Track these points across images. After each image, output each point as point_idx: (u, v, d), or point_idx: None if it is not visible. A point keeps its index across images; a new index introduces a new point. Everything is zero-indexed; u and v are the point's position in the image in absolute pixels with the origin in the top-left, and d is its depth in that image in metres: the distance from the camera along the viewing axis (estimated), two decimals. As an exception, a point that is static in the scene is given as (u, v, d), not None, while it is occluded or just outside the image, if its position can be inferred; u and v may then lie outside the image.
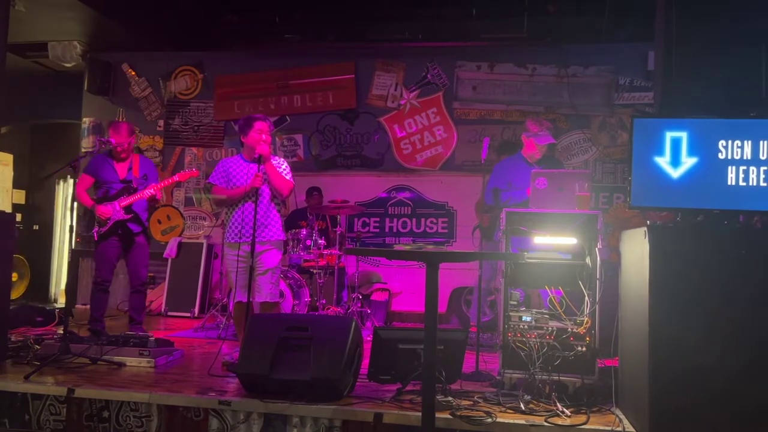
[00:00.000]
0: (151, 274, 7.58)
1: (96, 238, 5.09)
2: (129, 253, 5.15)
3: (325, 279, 5.95)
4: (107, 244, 5.06)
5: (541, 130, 4.94)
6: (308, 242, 5.79)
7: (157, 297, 7.39)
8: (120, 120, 5.43)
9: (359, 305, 6.03)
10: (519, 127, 6.79)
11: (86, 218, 4.48)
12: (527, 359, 3.47)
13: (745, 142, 2.99)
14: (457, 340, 3.59)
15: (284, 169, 4.46)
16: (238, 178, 4.40)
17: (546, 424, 3.07)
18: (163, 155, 7.95)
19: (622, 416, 3.21)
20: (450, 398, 3.35)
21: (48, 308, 6.06)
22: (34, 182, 9.21)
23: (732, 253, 2.88)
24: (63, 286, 8.76)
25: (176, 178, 5.14)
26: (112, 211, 4.99)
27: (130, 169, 5.12)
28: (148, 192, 5.02)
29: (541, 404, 3.35)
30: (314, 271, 5.94)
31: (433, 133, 7.39)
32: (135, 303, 5.24)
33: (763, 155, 2.98)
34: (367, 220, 7.36)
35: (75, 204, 4.76)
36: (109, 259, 5.10)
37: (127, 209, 5.02)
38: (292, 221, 6.49)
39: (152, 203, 5.27)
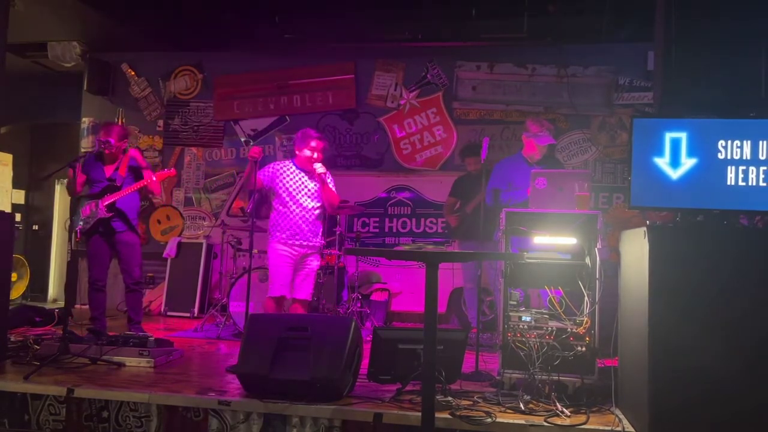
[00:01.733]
0: (151, 274, 7.60)
1: (78, 237, 4.99)
2: (119, 252, 5.13)
3: (325, 279, 5.94)
4: (94, 243, 5.04)
5: (542, 130, 4.92)
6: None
7: (157, 297, 7.39)
8: (114, 122, 5.54)
9: (359, 305, 6.03)
10: (519, 127, 6.79)
11: (71, 215, 4.45)
12: (527, 359, 3.47)
13: (745, 142, 2.99)
14: (457, 340, 3.59)
15: (330, 180, 4.71)
16: (288, 182, 4.61)
17: (546, 424, 3.07)
18: (162, 155, 7.95)
19: (621, 416, 3.21)
20: (450, 398, 3.35)
21: (47, 308, 6.06)
22: (34, 182, 9.21)
23: (732, 253, 2.88)
24: (62, 286, 8.76)
25: (153, 177, 5.11)
26: (95, 208, 4.96)
27: (116, 168, 5.11)
28: (134, 187, 5.00)
29: (541, 404, 3.35)
30: (314, 271, 5.94)
31: (432, 133, 7.39)
32: (131, 302, 5.22)
33: (762, 155, 2.97)
34: (366, 220, 7.35)
35: (74, 204, 4.76)
36: (99, 258, 5.08)
37: (110, 207, 5.00)
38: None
39: (149, 194, 5.33)
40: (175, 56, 7.99)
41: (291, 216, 4.59)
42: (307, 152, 4.63)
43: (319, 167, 4.56)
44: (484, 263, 5.08)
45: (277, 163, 4.77)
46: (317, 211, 4.68)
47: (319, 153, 4.65)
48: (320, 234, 4.74)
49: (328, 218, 6.47)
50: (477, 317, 4.55)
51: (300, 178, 4.65)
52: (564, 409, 3.22)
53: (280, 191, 4.62)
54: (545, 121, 5.16)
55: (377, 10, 6.78)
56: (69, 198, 4.61)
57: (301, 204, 4.60)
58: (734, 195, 2.98)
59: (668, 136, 3.06)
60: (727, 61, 3.31)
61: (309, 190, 4.65)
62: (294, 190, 4.62)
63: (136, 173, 5.14)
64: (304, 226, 4.60)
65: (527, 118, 6.04)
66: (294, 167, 4.69)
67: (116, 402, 3.46)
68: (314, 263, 4.71)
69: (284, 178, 4.63)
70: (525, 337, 3.53)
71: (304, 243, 4.61)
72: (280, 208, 4.62)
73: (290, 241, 4.58)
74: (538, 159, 4.95)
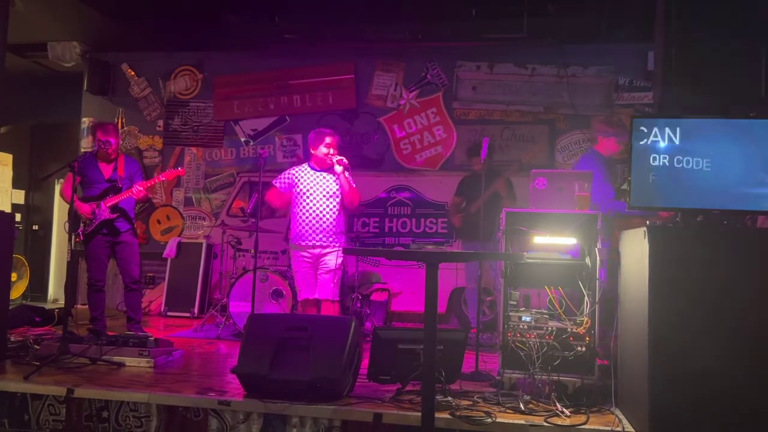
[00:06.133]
0: (151, 274, 7.60)
1: (81, 238, 5.04)
2: (117, 252, 5.15)
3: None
4: (95, 244, 5.06)
5: (614, 128, 5.02)
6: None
7: (157, 297, 7.39)
8: (111, 121, 5.74)
9: (359, 305, 6.03)
10: (519, 127, 6.82)
11: (69, 218, 4.45)
12: (527, 359, 3.47)
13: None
14: (457, 340, 3.59)
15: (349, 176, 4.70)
16: (304, 184, 4.63)
17: (545, 424, 3.07)
18: (162, 155, 7.95)
19: (621, 416, 3.21)
20: (449, 398, 3.34)
21: (47, 308, 6.06)
22: (34, 182, 9.21)
23: (731, 253, 2.88)
24: (62, 286, 8.75)
25: (162, 177, 5.17)
26: (97, 210, 4.98)
27: (115, 169, 5.13)
28: (136, 190, 5.01)
29: (541, 404, 3.34)
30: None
31: (432, 133, 7.39)
32: (130, 302, 5.23)
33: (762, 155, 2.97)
34: (366, 220, 7.35)
35: (72, 203, 4.76)
36: (99, 258, 5.10)
37: (113, 208, 5.02)
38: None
39: (142, 203, 5.44)
40: (175, 56, 7.99)
41: (307, 217, 4.58)
42: (323, 149, 4.61)
43: (337, 165, 4.54)
44: (484, 263, 5.08)
45: (292, 168, 4.76)
46: (336, 211, 4.64)
47: (335, 149, 4.63)
48: (341, 233, 4.69)
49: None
50: (477, 317, 4.55)
51: (316, 178, 4.64)
52: (564, 409, 3.21)
53: (297, 194, 4.62)
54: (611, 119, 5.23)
55: (377, 10, 6.77)
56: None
57: (317, 204, 4.60)
58: (734, 195, 2.98)
59: (668, 135, 3.06)
60: (727, 61, 3.31)
61: (325, 190, 4.62)
62: (309, 190, 4.61)
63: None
64: (319, 226, 4.57)
65: (593, 121, 6.02)
66: (309, 168, 4.68)
67: (116, 402, 3.45)
68: (332, 261, 4.63)
69: (300, 180, 4.63)
70: (525, 337, 3.52)
71: (318, 244, 4.58)
72: (296, 210, 4.63)
73: (304, 243, 4.58)
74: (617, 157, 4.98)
